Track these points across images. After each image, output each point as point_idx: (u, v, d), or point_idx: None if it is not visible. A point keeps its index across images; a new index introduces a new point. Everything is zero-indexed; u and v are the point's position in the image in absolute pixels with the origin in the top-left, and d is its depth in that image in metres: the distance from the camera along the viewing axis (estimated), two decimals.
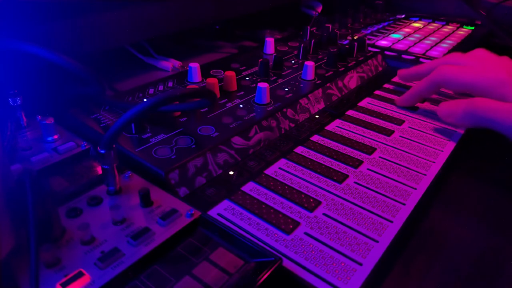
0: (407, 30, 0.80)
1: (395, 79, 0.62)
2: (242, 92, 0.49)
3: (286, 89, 0.51)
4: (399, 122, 0.49)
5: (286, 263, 0.29)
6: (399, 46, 0.70)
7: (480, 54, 0.48)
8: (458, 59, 0.49)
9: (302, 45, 0.61)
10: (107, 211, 0.30)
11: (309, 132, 0.45)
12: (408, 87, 0.59)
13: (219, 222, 0.30)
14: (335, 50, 0.60)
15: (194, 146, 0.38)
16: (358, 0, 0.88)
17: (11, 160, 0.34)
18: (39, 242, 0.24)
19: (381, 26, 0.82)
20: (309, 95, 0.50)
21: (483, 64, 0.46)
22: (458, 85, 0.46)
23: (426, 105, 0.53)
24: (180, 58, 0.62)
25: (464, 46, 0.73)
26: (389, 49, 0.69)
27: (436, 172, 0.40)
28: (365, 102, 0.53)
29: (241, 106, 0.46)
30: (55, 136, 0.37)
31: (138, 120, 0.40)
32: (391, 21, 0.85)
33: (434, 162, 0.41)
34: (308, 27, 0.70)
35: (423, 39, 0.75)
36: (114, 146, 0.30)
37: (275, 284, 0.27)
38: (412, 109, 0.52)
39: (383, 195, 0.36)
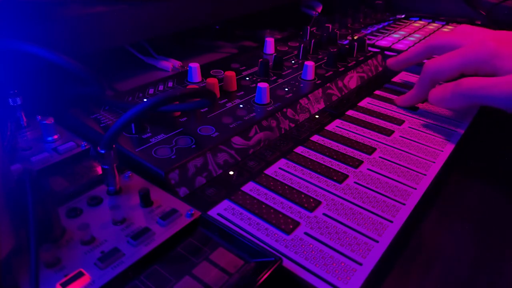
0: (407, 30, 0.80)
1: (395, 79, 0.62)
2: (242, 92, 0.49)
3: (286, 89, 0.51)
4: (399, 122, 0.49)
5: (286, 263, 0.29)
6: (399, 46, 0.70)
7: (465, 29, 0.49)
8: (443, 39, 0.49)
9: (302, 45, 0.61)
10: (107, 211, 0.30)
11: (309, 132, 0.45)
12: (409, 87, 0.59)
13: (219, 222, 0.30)
14: (335, 50, 0.60)
15: (194, 146, 0.38)
16: (358, 0, 0.88)
17: (11, 160, 0.34)
18: (39, 242, 0.24)
19: (381, 26, 0.82)
20: (309, 95, 0.50)
21: (470, 39, 0.46)
22: (451, 72, 0.46)
23: (426, 105, 0.53)
24: (180, 58, 0.62)
25: None
26: (389, 49, 0.69)
27: (436, 172, 0.40)
28: (365, 102, 0.53)
29: (241, 106, 0.46)
30: (55, 136, 0.37)
31: (138, 120, 0.40)
32: (391, 21, 0.85)
33: (434, 162, 0.41)
34: (308, 27, 0.70)
35: (423, 39, 0.75)
36: (114, 146, 0.30)
37: (275, 284, 0.27)
38: (412, 109, 0.52)
39: (383, 195, 0.36)
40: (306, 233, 0.32)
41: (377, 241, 0.31)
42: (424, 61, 0.50)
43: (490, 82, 0.41)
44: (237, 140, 0.41)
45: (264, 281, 0.26)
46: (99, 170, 0.34)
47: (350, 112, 0.51)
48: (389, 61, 0.58)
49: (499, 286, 0.31)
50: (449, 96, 0.44)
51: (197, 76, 0.51)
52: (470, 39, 0.46)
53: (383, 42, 0.71)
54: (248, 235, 0.31)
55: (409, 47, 0.70)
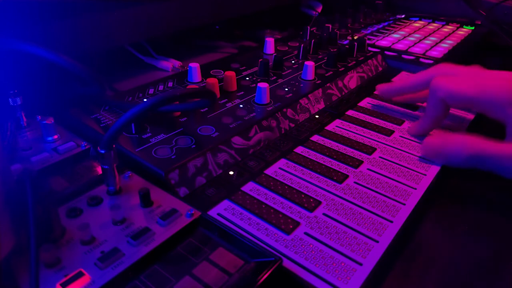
0: (407, 30, 0.80)
1: (395, 79, 0.62)
2: (242, 92, 0.49)
3: (286, 89, 0.51)
4: (399, 122, 0.49)
5: (286, 263, 0.29)
6: (399, 46, 0.70)
7: (477, 69, 0.44)
8: (450, 70, 0.44)
9: (302, 45, 0.61)
10: (107, 211, 0.30)
11: (309, 132, 0.45)
12: None
13: (219, 222, 0.30)
14: (335, 50, 0.60)
15: (194, 146, 0.38)
16: (358, 0, 0.88)
17: (11, 160, 0.34)
18: (39, 242, 0.24)
19: (381, 26, 0.82)
20: (309, 95, 0.50)
21: (483, 78, 0.42)
22: (462, 102, 0.41)
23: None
24: (180, 58, 0.62)
25: (464, 46, 0.73)
26: (389, 49, 0.69)
27: (436, 172, 0.40)
28: (365, 102, 0.53)
29: (241, 106, 0.46)
30: (55, 136, 0.37)
31: (138, 120, 0.40)
32: (391, 21, 0.85)
33: (434, 162, 0.41)
34: (308, 27, 0.70)
35: (423, 39, 0.75)
36: (114, 146, 0.30)
37: (275, 284, 0.27)
38: (412, 108, 0.52)
39: (383, 195, 0.36)
40: (306, 233, 0.32)
41: (377, 241, 0.31)
42: (432, 80, 0.44)
43: (498, 150, 0.37)
44: (237, 140, 0.41)
45: (264, 281, 0.26)
46: (99, 170, 0.34)
47: (350, 112, 0.51)
48: (381, 89, 0.52)
49: (499, 287, 0.31)
50: (447, 153, 0.39)
51: (197, 76, 0.51)
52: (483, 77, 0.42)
53: (383, 42, 0.71)
54: (248, 235, 0.31)
55: (409, 47, 0.70)
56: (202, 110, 0.44)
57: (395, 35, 0.76)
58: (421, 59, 0.66)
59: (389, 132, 0.46)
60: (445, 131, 0.43)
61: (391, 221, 0.33)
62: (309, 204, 0.34)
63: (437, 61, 0.64)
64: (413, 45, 0.71)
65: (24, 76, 0.41)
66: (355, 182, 0.38)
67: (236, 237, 0.28)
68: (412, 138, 0.45)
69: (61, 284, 0.24)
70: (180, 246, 0.28)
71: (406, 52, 0.68)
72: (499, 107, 0.39)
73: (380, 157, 0.42)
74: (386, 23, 0.84)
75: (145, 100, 0.47)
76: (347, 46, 0.62)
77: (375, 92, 0.53)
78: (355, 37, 0.72)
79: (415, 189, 0.37)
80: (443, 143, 0.40)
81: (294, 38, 0.70)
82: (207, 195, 0.35)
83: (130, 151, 0.37)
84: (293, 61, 0.60)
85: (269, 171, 0.39)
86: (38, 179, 0.26)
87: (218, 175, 0.38)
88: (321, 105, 0.51)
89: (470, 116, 0.51)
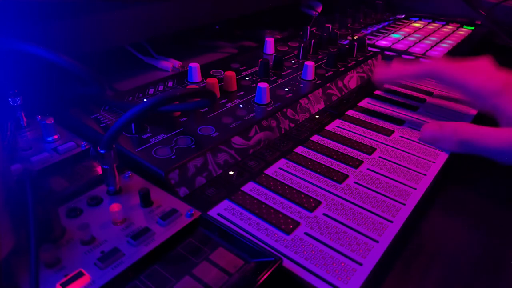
0: (407, 30, 0.80)
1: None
2: (242, 92, 0.49)
3: (286, 89, 0.51)
4: (399, 122, 0.49)
5: (286, 263, 0.29)
6: (399, 46, 0.70)
7: (472, 65, 0.45)
8: (448, 72, 0.46)
9: (302, 45, 0.61)
10: (107, 211, 0.30)
11: (309, 132, 0.45)
12: (408, 87, 0.59)
13: (219, 222, 0.30)
14: (335, 50, 0.60)
15: (194, 146, 0.38)
16: (358, 0, 0.88)
17: (11, 160, 0.34)
18: (39, 242, 0.24)
19: (381, 26, 0.82)
20: (309, 95, 0.50)
21: (477, 70, 0.44)
22: (452, 82, 0.45)
23: (427, 105, 0.53)
24: (180, 58, 0.62)
25: (464, 46, 0.73)
26: (389, 49, 0.69)
27: (436, 172, 0.40)
28: (365, 102, 0.54)
29: (241, 106, 0.46)
30: (55, 136, 0.37)
31: (138, 120, 0.40)
32: (391, 21, 0.85)
33: (434, 162, 0.41)
34: (308, 27, 0.70)
35: (423, 39, 0.75)
36: (114, 146, 0.30)
37: (275, 284, 0.27)
38: (412, 109, 0.52)
39: (383, 195, 0.36)
40: (306, 233, 0.32)
41: (377, 241, 0.31)
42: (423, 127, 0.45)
43: (490, 135, 0.39)
44: (237, 140, 0.41)
45: (264, 281, 0.26)
46: (99, 170, 0.34)
47: (350, 112, 0.51)
48: (377, 75, 0.52)
49: (499, 287, 0.31)
50: (443, 139, 0.43)
51: (197, 76, 0.51)
52: (475, 76, 0.44)
53: (383, 42, 0.71)
54: (248, 235, 0.31)
55: (409, 47, 0.70)
56: (202, 110, 0.44)
57: (395, 35, 0.76)
58: (421, 59, 0.66)
59: (389, 132, 0.46)
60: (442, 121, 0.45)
61: (391, 221, 0.33)
62: (309, 204, 0.34)
63: None
64: (413, 45, 0.71)
65: (24, 76, 0.41)
66: (355, 182, 0.38)
67: (236, 237, 0.28)
68: (412, 138, 0.45)
69: (61, 284, 0.24)
70: (180, 246, 0.28)
71: (406, 52, 0.68)
72: (489, 97, 0.42)
73: (380, 157, 0.42)
74: (386, 23, 0.84)
75: (145, 100, 0.47)
76: (347, 46, 0.62)
77: (373, 79, 0.53)
78: (355, 37, 0.72)
79: (415, 189, 0.37)
80: (438, 129, 0.44)
81: (294, 38, 0.70)
82: (207, 195, 0.35)
83: (130, 151, 0.37)
84: (293, 61, 0.60)
85: (269, 171, 0.39)
86: (38, 179, 0.27)
87: (218, 175, 0.38)
88: (321, 105, 0.51)
89: (473, 112, 0.51)
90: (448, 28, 0.83)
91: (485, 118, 0.43)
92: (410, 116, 0.50)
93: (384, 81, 0.53)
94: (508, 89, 0.41)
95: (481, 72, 0.44)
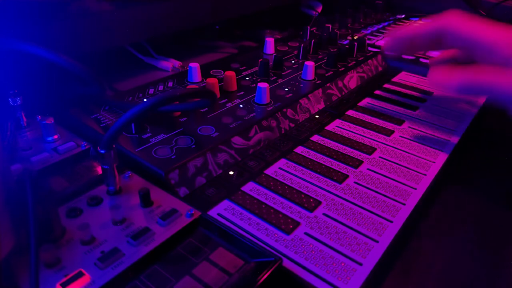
0: None
1: (395, 79, 0.62)
2: (242, 92, 0.49)
3: (286, 89, 0.51)
4: (399, 122, 0.49)
5: (286, 263, 0.29)
6: None
7: (479, 18, 0.42)
8: (461, 29, 0.41)
9: (302, 45, 0.61)
10: (107, 211, 0.30)
11: (309, 132, 0.45)
12: (408, 87, 0.59)
13: (219, 222, 0.30)
14: (335, 50, 0.60)
15: (194, 146, 0.38)
16: (358, 0, 0.88)
17: (11, 160, 0.34)
18: (39, 242, 0.24)
19: (381, 26, 0.81)
20: (309, 95, 0.50)
21: (488, 24, 0.41)
22: (463, 39, 0.41)
23: (427, 105, 0.53)
24: (180, 58, 0.62)
25: None
26: None
27: (436, 172, 0.40)
28: (365, 102, 0.54)
29: (241, 106, 0.46)
30: (55, 136, 0.37)
31: (138, 120, 0.40)
32: (391, 21, 0.85)
33: (434, 162, 0.41)
34: (308, 27, 0.70)
35: None
36: (114, 146, 0.30)
37: (275, 284, 0.27)
38: (412, 109, 0.52)
39: (383, 195, 0.36)
40: (306, 233, 0.32)
41: (377, 241, 0.31)
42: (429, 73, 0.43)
43: (493, 76, 0.37)
44: (237, 140, 0.41)
45: (264, 281, 0.26)
46: (99, 170, 0.34)
47: (350, 112, 0.51)
48: (387, 43, 0.47)
49: (499, 287, 0.31)
50: (455, 84, 0.40)
51: (197, 76, 0.51)
52: (488, 29, 0.40)
53: (383, 42, 0.71)
54: (248, 235, 0.31)
55: None
56: (202, 110, 0.44)
57: None
58: (421, 59, 0.65)
59: (389, 132, 0.46)
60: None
61: (391, 221, 0.33)
62: (309, 204, 0.34)
63: None
64: None
65: (24, 76, 0.41)
66: (355, 182, 0.38)
67: (236, 237, 0.28)
68: (412, 138, 0.45)
69: (61, 284, 0.24)
70: (180, 246, 0.28)
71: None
72: (502, 49, 0.39)
73: (380, 157, 0.42)
74: (386, 23, 0.84)
75: (145, 100, 0.47)
76: (347, 46, 0.62)
77: (382, 47, 0.48)
78: (355, 37, 0.72)
79: (415, 189, 0.37)
80: (447, 72, 0.40)
81: (294, 38, 0.70)
82: (207, 195, 0.35)
83: (130, 151, 0.37)
84: (293, 61, 0.60)
85: (269, 171, 0.39)
86: (38, 179, 0.26)
87: (218, 175, 0.38)
88: (321, 105, 0.51)
89: (474, 110, 0.51)
90: None
91: (485, 118, 0.43)
92: (410, 116, 0.50)
93: (394, 47, 0.48)
94: None
95: (493, 26, 0.41)
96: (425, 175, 0.39)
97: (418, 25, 0.45)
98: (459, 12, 0.43)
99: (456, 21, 0.42)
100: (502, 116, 0.43)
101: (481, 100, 0.55)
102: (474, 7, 0.84)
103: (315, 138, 0.44)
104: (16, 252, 0.25)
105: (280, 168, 0.39)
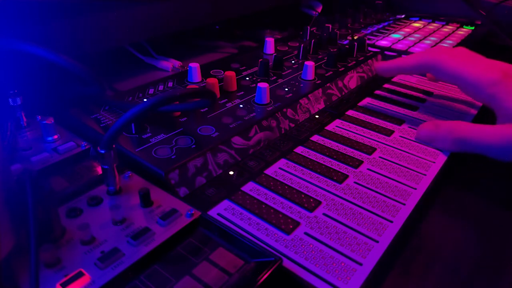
0: (407, 30, 0.80)
1: (395, 79, 0.62)
2: (242, 92, 0.49)
3: (286, 89, 0.51)
4: (399, 122, 0.49)
5: (286, 263, 0.29)
6: (399, 46, 0.70)
7: (464, 53, 0.46)
8: (443, 63, 0.46)
9: (302, 45, 0.61)
10: (107, 211, 0.30)
11: (309, 132, 0.45)
12: (408, 87, 0.59)
13: (219, 222, 0.30)
14: (335, 50, 0.60)
15: (194, 146, 0.38)
16: (358, 0, 0.88)
17: (11, 160, 0.34)
18: (39, 242, 0.24)
19: (381, 26, 0.82)
20: (309, 95, 0.50)
21: (473, 60, 0.44)
22: (449, 74, 0.44)
23: (426, 105, 0.53)
24: (180, 58, 0.62)
25: (464, 46, 0.73)
26: (389, 49, 0.69)
27: (436, 172, 0.40)
28: (365, 102, 0.54)
29: (241, 106, 0.46)
30: (55, 136, 0.37)
31: (138, 120, 0.40)
32: (391, 21, 0.85)
33: (434, 162, 0.41)
34: (308, 27, 0.70)
35: (423, 39, 0.75)
36: (114, 146, 0.30)
37: (275, 284, 0.27)
38: (412, 109, 0.52)
39: (383, 195, 0.36)
40: (306, 233, 0.32)
41: (377, 241, 0.31)
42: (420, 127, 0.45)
43: (486, 132, 0.39)
44: (237, 140, 0.41)
45: (264, 281, 0.26)
46: (99, 170, 0.34)
47: (350, 112, 0.51)
48: (378, 66, 0.52)
49: (499, 287, 0.31)
50: (439, 138, 0.43)
51: (197, 76, 0.51)
52: (473, 67, 0.43)
53: (383, 42, 0.71)
54: (248, 235, 0.31)
55: (409, 47, 0.70)
56: (202, 110, 0.44)
57: (395, 35, 0.76)
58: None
59: (389, 132, 0.46)
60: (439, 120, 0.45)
61: (391, 221, 0.33)
62: (309, 204, 0.34)
63: None
64: (413, 45, 0.71)
65: (24, 76, 0.41)
66: (355, 182, 0.38)
67: (236, 237, 0.28)
68: (412, 138, 0.45)
69: (61, 284, 0.24)
70: (180, 246, 0.28)
71: (406, 52, 0.68)
72: (486, 87, 0.42)
73: (380, 157, 0.42)
74: (386, 23, 0.84)
75: (145, 100, 0.47)
76: (347, 46, 0.62)
77: (374, 67, 0.53)
78: (355, 37, 0.72)
79: (415, 189, 0.37)
80: (434, 129, 0.43)
81: (294, 38, 0.70)
82: (207, 195, 0.35)
83: (130, 151, 0.37)
84: (293, 61, 0.60)
85: (269, 171, 0.39)
86: (38, 179, 0.26)
87: (218, 175, 0.38)
88: (321, 105, 0.51)
89: (473, 111, 0.51)
90: (448, 28, 0.83)
91: (485, 118, 0.43)
92: (410, 116, 0.50)
93: (386, 74, 0.54)
94: (505, 79, 0.41)
95: (479, 62, 0.44)
96: (425, 175, 0.39)
97: (406, 58, 0.50)
98: (445, 49, 0.47)
99: (441, 58, 0.46)
100: None
101: None
102: (474, 7, 0.84)
103: (315, 138, 0.44)
104: (16, 252, 0.25)
105: (280, 168, 0.39)
